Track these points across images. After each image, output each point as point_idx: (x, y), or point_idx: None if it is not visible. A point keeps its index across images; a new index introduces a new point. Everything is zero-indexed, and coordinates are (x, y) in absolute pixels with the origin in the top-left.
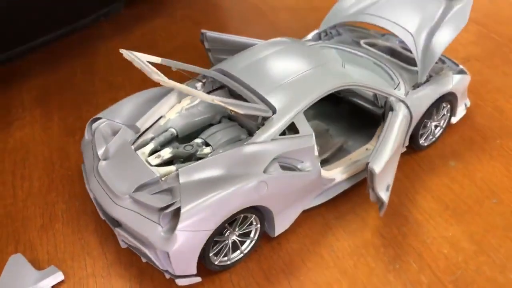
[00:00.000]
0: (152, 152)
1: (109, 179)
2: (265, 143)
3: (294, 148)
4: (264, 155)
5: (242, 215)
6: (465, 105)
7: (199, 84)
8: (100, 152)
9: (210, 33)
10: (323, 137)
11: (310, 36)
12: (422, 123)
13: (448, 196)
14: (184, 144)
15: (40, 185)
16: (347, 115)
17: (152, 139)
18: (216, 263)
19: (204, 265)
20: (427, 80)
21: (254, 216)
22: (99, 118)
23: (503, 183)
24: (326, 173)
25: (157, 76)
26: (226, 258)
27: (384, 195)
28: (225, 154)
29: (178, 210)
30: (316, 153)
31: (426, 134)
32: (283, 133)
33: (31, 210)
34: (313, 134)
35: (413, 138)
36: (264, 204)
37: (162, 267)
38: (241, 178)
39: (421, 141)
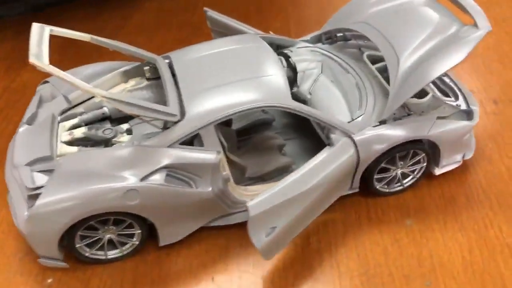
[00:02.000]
0: (74, 128)
1: (18, 145)
2: (158, 148)
3: (192, 162)
4: (150, 161)
5: (115, 217)
6: (462, 156)
7: (147, 68)
8: (27, 115)
9: (211, 13)
10: (268, 153)
11: (309, 37)
12: (377, 167)
13: (376, 260)
14: (107, 127)
15: None
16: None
17: (81, 114)
18: (87, 254)
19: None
20: (399, 118)
21: (132, 221)
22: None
23: (453, 265)
24: (238, 194)
25: (34, 59)
26: (102, 253)
27: (257, 239)
28: (111, 149)
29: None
30: (226, 171)
31: (388, 180)
32: (190, 143)
33: None
34: (221, 152)
35: (367, 179)
36: (140, 213)
37: None
38: (112, 180)
39: (379, 185)
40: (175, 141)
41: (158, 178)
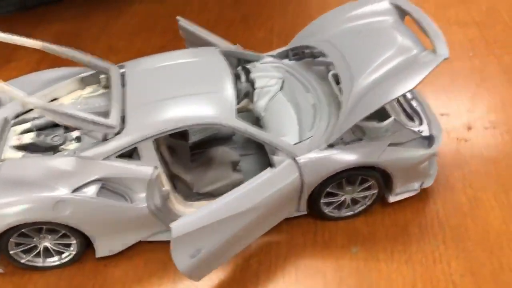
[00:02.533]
0: (25, 132)
1: None
2: (92, 160)
3: (128, 176)
4: (84, 172)
5: (47, 226)
6: (420, 184)
7: (103, 76)
8: None
9: (183, 22)
10: (220, 168)
11: (275, 52)
12: (323, 192)
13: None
14: (56, 133)
15: None
16: None
17: (34, 119)
18: (23, 261)
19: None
20: (348, 142)
21: (65, 231)
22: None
23: None
24: (180, 210)
25: None
26: (40, 260)
27: (180, 261)
28: (50, 157)
29: None
30: (166, 187)
31: (336, 204)
32: (130, 156)
33: None
34: (158, 167)
35: (313, 203)
36: (72, 225)
37: None
38: (44, 190)
39: (328, 209)
40: (112, 153)
41: (90, 190)
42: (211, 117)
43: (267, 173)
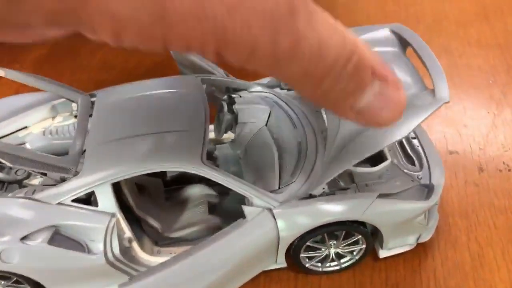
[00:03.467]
0: None
1: None
2: (45, 205)
3: (84, 223)
4: (35, 218)
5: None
6: (417, 238)
7: (74, 105)
8: None
9: None
10: (195, 210)
11: (266, 80)
12: (302, 246)
13: None
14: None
15: None
16: None
17: None
18: None
19: None
20: (332, 193)
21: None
22: None
23: None
24: (146, 258)
25: None
26: None
27: None
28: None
29: None
30: (127, 234)
31: (320, 259)
32: (87, 201)
33: None
34: (117, 213)
35: (293, 257)
36: (22, 273)
37: None
38: None
39: (310, 263)
40: (66, 197)
41: (41, 238)
42: (174, 161)
43: (238, 226)
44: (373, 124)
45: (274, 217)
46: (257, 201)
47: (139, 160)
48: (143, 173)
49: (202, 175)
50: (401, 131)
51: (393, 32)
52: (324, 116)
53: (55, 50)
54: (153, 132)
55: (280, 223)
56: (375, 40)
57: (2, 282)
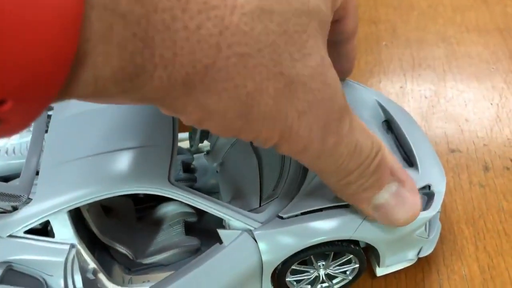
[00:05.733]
0: None
1: None
2: None
3: (39, 257)
4: None
5: None
6: (417, 253)
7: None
8: None
9: None
10: (170, 231)
11: None
12: (287, 269)
13: None
14: None
15: None
16: None
17: None
18: None
19: None
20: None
21: None
22: None
23: None
24: None
25: None
26: None
27: None
28: None
29: None
30: (91, 265)
31: (309, 281)
32: (43, 231)
33: None
34: (77, 244)
35: (279, 280)
36: None
37: None
38: None
39: (298, 287)
40: (18, 229)
41: None
42: (138, 183)
43: (215, 251)
44: (388, 222)
45: (255, 239)
46: (235, 222)
47: (98, 183)
48: (103, 197)
49: (170, 197)
50: None
51: (376, 100)
52: None
53: None
54: (114, 150)
55: (262, 246)
56: (362, 102)
57: None
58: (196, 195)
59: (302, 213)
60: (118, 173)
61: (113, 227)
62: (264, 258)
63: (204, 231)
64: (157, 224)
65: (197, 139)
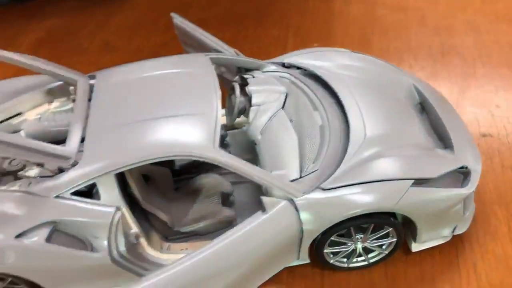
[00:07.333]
0: None
1: None
2: (42, 198)
3: (84, 219)
4: (31, 213)
5: None
6: (452, 230)
7: (72, 88)
8: None
9: (179, 20)
10: (207, 201)
11: (285, 58)
12: (326, 241)
13: None
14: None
15: None
16: None
17: None
18: None
19: None
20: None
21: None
22: None
23: None
24: (155, 255)
25: None
26: None
27: None
28: None
29: None
30: (134, 230)
31: (346, 254)
32: (89, 192)
33: None
34: (122, 207)
35: (316, 252)
36: (20, 274)
37: None
38: None
39: (335, 259)
40: (65, 190)
41: (38, 236)
42: (185, 147)
43: (257, 219)
44: None
45: (296, 209)
46: (277, 191)
47: (145, 148)
48: (150, 161)
49: (216, 163)
50: (430, 173)
51: (414, 85)
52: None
53: (52, 33)
54: (160, 117)
55: (304, 216)
56: (397, 84)
57: None
58: (242, 162)
59: (344, 186)
60: (165, 138)
61: (152, 195)
62: (305, 227)
63: (239, 205)
64: (194, 195)
65: (235, 113)
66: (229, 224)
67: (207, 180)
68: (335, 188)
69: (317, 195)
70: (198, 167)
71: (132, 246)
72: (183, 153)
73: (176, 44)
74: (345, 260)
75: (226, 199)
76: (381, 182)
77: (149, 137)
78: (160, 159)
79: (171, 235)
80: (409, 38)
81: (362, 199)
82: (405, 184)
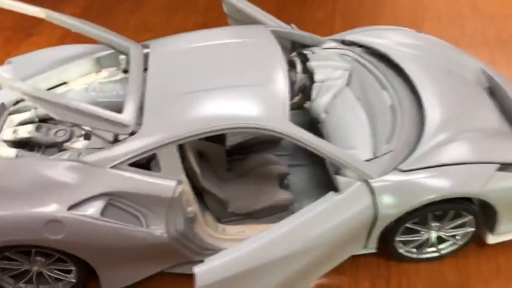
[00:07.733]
0: (25, 123)
1: None
2: (98, 168)
3: (142, 192)
4: (85, 184)
5: (37, 249)
6: None
7: (122, 57)
8: None
9: None
10: (263, 183)
11: (345, 35)
12: (400, 227)
13: None
14: (62, 127)
15: None
16: None
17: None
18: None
19: None
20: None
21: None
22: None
23: None
24: (209, 237)
25: None
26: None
27: None
28: (46, 162)
29: None
30: (192, 207)
31: (417, 243)
32: (146, 165)
33: None
34: (182, 182)
35: (386, 240)
36: (68, 250)
37: None
38: (33, 205)
39: (404, 249)
40: (122, 160)
41: (92, 208)
42: (255, 119)
43: (329, 199)
44: None
45: (372, 192)
46: (349, 171)
47: (211, 118)
48: (216, 133)
49: (289, 137)
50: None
51: (482, 69)
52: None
53: (88, 10)
54: (223, 86)
55: (380, 199)
56: (464, 66)
57: (42, 260)
58: (314, 137)
59: (425, 168)
60: (231, 108)
61: (207, 173)
62: (381, 212)
63: (296, 188)
64: (247, 176)
65: (295, 90)
66: (285, 208)
67: (262, 160)
68: (415, 169)
69: (395, 177)
70: (250, 147)
71: (190, 225)
72: (252, 125)
73: (217, 25)
74: (414, 250)
75: (281, 182)
76: (464, 165)
77: (213, 107)
78: (227, 131)
79: (225, 217)
80: (463, 25)
81: (444, 183)
82: (490, 168)
